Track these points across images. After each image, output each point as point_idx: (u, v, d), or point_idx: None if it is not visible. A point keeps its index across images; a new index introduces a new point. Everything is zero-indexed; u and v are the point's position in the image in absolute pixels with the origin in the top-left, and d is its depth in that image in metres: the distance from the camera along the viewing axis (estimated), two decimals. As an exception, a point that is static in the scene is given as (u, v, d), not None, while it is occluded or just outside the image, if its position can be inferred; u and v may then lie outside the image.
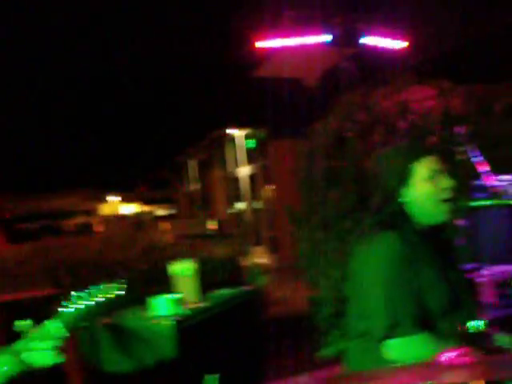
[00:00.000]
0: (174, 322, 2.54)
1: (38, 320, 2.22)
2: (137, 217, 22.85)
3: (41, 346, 1.75)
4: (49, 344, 1.75)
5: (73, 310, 1.83)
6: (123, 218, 18.68)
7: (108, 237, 5.15)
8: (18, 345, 1.79)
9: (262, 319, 3.15)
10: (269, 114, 13.31)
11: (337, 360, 5.92)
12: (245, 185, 17.77)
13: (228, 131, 17.17)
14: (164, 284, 3.43)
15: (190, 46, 11.96)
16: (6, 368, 1.73)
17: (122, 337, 2.59)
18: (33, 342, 1.77)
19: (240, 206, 18.18)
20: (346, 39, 9.42)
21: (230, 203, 18.85)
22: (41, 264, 4.86)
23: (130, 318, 2.74)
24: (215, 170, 19.68)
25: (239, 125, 16.73)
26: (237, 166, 18.00)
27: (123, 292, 1.86)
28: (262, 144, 16.16)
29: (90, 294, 1.84)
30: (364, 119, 6.27)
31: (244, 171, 17.63)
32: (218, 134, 17.65)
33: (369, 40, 9.67)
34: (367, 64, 9.21)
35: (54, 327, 1.79)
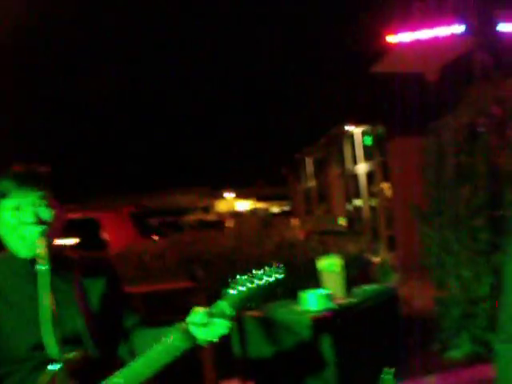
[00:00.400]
0: (326, 317, 2.58)
1: (177, 311, 2.34)
2: (265, 213, 23.25)
3: (212, 323, 1.88)
4: (219, 322, 1.88)
5: (237, 291, 1.89)
6: (253, 214, 19.03)
7: (240, 232, 5.28)
8: (189, 318, 1.93)
9: (400, 316, 3.12)
10: (388, 110, 13.05)
11: (465, 362, 5.72)
12: (362, 182, 17.55)
13: (346, 128, 17.02)
14: (306, 279, 3.49)
15: (314, 42, 11.99)
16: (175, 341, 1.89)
17: (273, 329, 2.67)
18: (203, 318, 1.89)
19: (357, 203, 17.99)
20: (481, 28, 8.97)
21: (348, 200, 18.69)
22: (176, 258, 5.07)
23: (280, 311, 2.80)
24: (332, 167, 19.59)
25: (357, 121, 16.54)
26: (354, 163, 17.82)
27: (282, 276, 1.89)
28: (379, 141, 15.87)
29: (252, 277, 1.89)
30: (498, 113, 6.00)
31: (361, 168, 17.41)
32: (336, 131, 17.55)
33: (505, 27, 9.12)
34: (503, 53, 8.74)
35: (224, 306, 1.88)
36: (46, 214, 2.03)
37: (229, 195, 35.96)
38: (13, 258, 2.06)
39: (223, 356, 4.42)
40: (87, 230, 9.18)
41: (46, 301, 1.95)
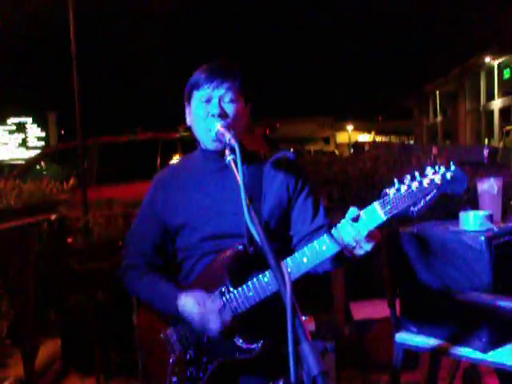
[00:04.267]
0: (487, 237, 2.49)
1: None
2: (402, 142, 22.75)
3: (362, 221, 1.79)
4: (369, 221, 1.78)
5: (394, 194, 1.76)
6: (387, 143, 18.67)
7: (377, 157, 5.18)
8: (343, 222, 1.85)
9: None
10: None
11: None
12: (495, 119, 16.56)
13: (485, 59, 15.93)
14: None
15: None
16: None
17: (427, 247, 2.61)
18: (354, 212, 1.81)
19: (488, 141, 17.06)
20: None
21: (478, 139, 17.77)
22: (312, 179, 5.05)
23: (438, 229, 2.73)
24: (463, 102, 18.57)
25: (496, 52, 15.40)
26: (489, 98, 16.78)
27: (448, 178, 1.72)
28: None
29: (414, 179, 1.74)
30: None
31: (496, 104, 16.38)
32: (472, 62, 16.49)
33: None
34: None
35: (375, 206, 1.78)
36: (231, 107, 2.07)
37: (350, 127, 35.47)
38: (204, 151, 2.16)
39: (354, 279, 4.47)
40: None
41: (226, 194, 2.07)
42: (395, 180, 1.76)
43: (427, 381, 3.37)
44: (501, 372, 3.03)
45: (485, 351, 2.57)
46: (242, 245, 2.03)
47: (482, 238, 2.50)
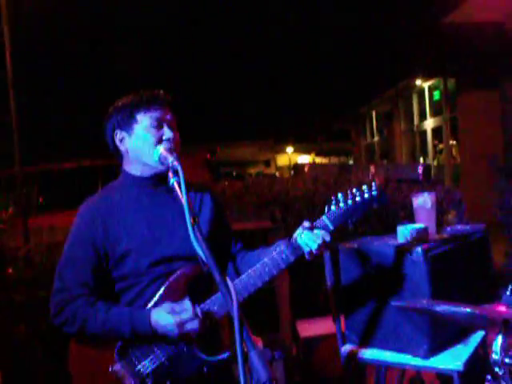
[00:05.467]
0: (423, 249, 2.61)
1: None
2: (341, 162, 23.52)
3: (314, 232, 2.09)
4: (321, 232, 2.09)
5: (337, 208, 2.14)
6: (326, 164, 19.10)
7: (316, 177, 5.30)
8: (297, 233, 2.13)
9: (491, 256, 3.10)
10: (460, 63, 12.56)
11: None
12: (428, 138, 17.15)
13: (416, 82, 16.54)
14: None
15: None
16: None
17: (367, 261, 2.72)
18: (307, 224, 2.12)
19: (423, 159, 17.65)
20: None
21: (413, 157, 18.35)
22: (254, 200, 5.13)
23: (376, 244, 2.84)
24: (398, 123, 19.16)
25: (426, 75, 16.03)
26: (422, 118, 17.39)
27: (376, 193, 2.14)
28: (447, 95, 15.38)
29: (351, 195, 2.14)
30: None
31: (428, 124, 16.98)
32: (404, 84, 17.10)
33: None
34: None
35: (325, 220, 2.14)
36: (175, 132, 2.17)
37: (290, 149, 35.93)
38: (135, 178, 2.20)
39: (298, 298, 4.55)
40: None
41: (168, 218, 2.14)
42: (339, 195, 2.14)
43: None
44: (444, 379, 3.15)
45: (426, 357, 2.67)
46: (197, 264, 2.09)
47: (419, 250, 2.62)
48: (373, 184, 2.16)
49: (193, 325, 1.98)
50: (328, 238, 2.07)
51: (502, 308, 1.95)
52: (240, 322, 1.44)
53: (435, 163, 17.24)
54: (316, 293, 4.39)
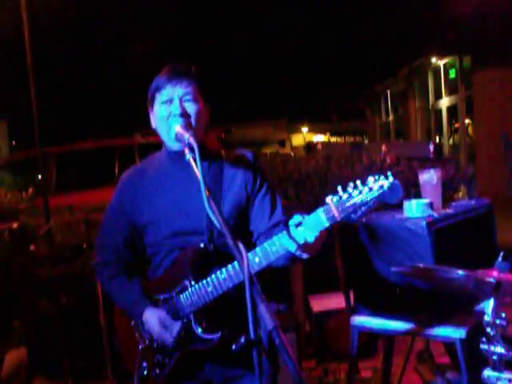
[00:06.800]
0: (427, 223, 2.70)
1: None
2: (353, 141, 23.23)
3: (307, 225, 1.89)
4: (314, 225, 1.88)
5: (334, 202, 1.83)
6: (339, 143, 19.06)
7: (330, 155, 5.37)
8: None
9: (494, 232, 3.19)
10: (476, 40, 12.44)
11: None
12: (444, 117, 17.06)
13: (431, 60, 16.41)
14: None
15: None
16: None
17: (376, 235, 2.81)
18: (298, 218, 1.93)
19: (438, 139, 17.57)
20: None
21: (428, 136, 18.27)
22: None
23: (385, 218, 2.93)
24: (413, 101, 19.06)
25: (441, 53, 15.89)
26: (437, 97, 17.27)
27: (385, 188, 1.77)
28: (463, 74, 15.25)
29: (355, 188, 1.81)
30: None
31: (443, 103, 16.87)
32: (420, 62, 16.98)
33: None
34: None
35: (319, 212, 1.86)
36: (191, 107, 2.17)
37: (305, 129, 35.84)
38: (168, 152, 2.26)
39: (312, 274, 4.64)
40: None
41: (193, 192, 2.13)
42: (339, 188, 1.82)
43: (383, 363, 3.57)
44: (451, 351, 3.26)
45: (431, 326, 2.78)
46: (203, 242, 2.15)
47: (424, 224, 2.72)
48: (384, 176, 1.78)
49: (168, 343, 2.16)
50: (319, 230, 1.88)
51: (495, 273, 2.04)
52: (249, 279, 1.57)
53: (450, 142, 17.18)
54: (329, 268, 4.47)
